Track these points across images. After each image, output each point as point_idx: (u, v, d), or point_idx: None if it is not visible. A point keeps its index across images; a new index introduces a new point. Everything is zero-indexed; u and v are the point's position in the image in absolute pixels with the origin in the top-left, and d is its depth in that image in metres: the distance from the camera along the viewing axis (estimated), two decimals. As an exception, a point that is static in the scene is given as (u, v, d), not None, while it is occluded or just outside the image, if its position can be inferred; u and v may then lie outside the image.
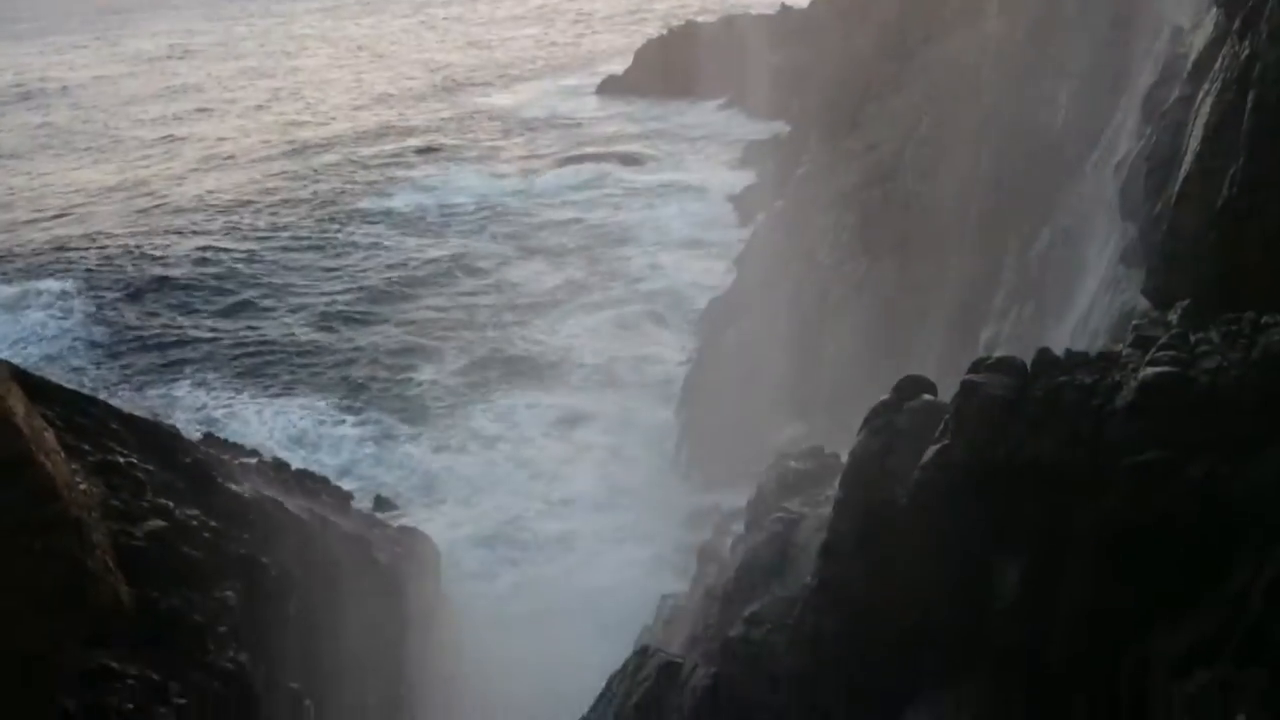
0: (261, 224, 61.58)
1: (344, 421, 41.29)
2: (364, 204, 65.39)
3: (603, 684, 17.87)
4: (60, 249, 57.41)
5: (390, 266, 55.90)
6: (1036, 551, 12.76)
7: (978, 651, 13.22)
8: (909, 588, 13.89)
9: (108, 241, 58.53)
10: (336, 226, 61.52)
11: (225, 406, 42.04)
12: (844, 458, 17.17)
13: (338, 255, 57.12)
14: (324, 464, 35.54)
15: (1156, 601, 11.71)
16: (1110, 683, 11.97)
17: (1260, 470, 11.21)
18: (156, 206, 65.03)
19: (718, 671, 16.56)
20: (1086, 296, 20.50)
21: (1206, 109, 14.41)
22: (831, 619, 15.09)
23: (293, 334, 48.04)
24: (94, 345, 46.85)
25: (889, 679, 13.99)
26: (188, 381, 44.06)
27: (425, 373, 44.79)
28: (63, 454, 12.93)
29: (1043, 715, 12.44)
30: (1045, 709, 12.44)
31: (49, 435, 12.71)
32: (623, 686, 17.16)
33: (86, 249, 57.37)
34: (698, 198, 65.24)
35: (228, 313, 50.11)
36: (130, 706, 11.38)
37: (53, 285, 52.30)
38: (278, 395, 43.03)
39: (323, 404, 42.35)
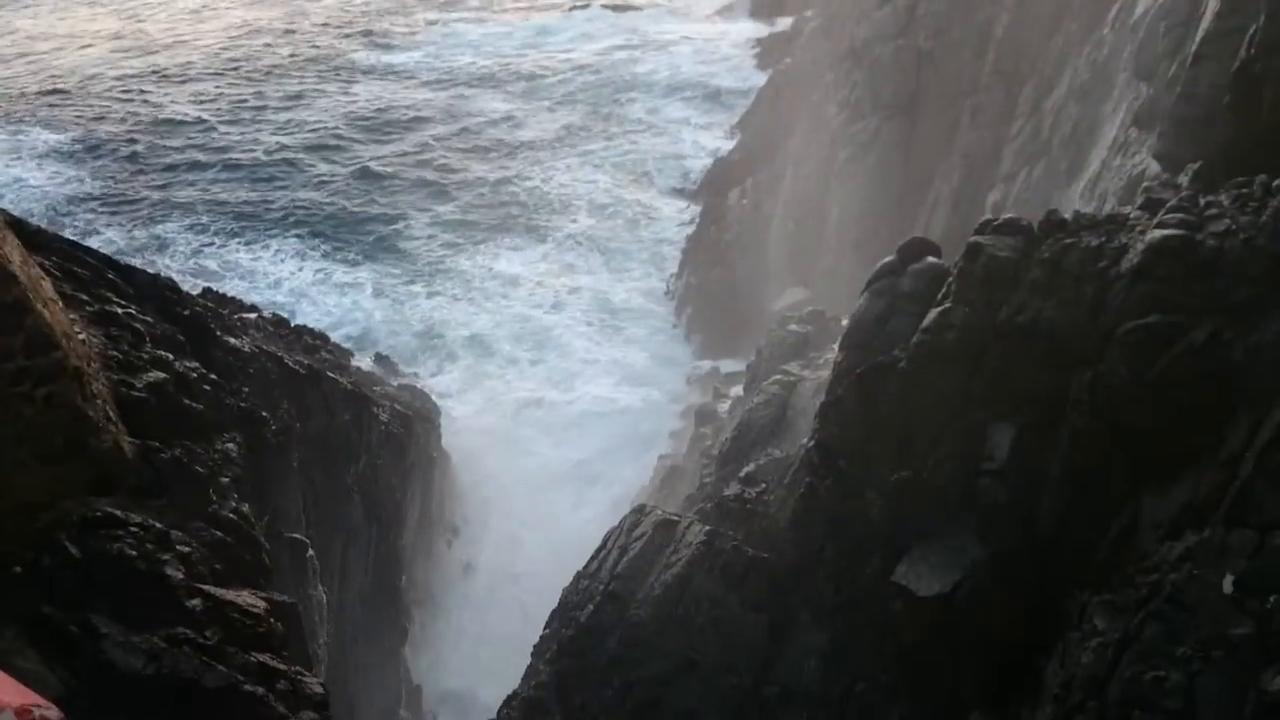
0: (258, 74, 60.37)
1: (340, 273, 41.17)
2: (361, 54, 64.05)
3: (599, 539, 18.16)
4: (52, 99, 56.39)
5: (387, 114, 55.04)
6: (1031, 414, 12.78)
7: (969, 511, 13.36)
8: (904, 449, 13.97)
9: (100, 91, 57.47)
10: (334, 76, 60.35)
11: (220, 257, 41.87)
12: (845, 321, 17.12)
13: (334, 106, 56.14)
14: (321, 318, 35.58)
15: (1150, 465, 11.77)
16: (1098, 544, 12.13)
17: (1263, 335, 11.10)
18: (149, 55, 63.67)
19: (713, 529, 16.80)
20: (1098, 159, 20.15)
21: (1231, -36, 13.88)
22: (826, 478, 15.22)
23: (289, 186, 47.52)
24: (87, 194, 46.36)
25: (883, 535, 14.19)
26: (181, 226, 43.77)
27: (422, 223, 44.48)
28: (60, 303, 12.81)
29: (1035, 573, 12.63)
30: (1036, 568, 12.63)
31: (46, 284, 12.54)
32: (619, 542, 17.41)
33: (79, 99, 56.36)
34: (705, 49, 63.84)
35: (222, 163, 49.47)
36: (133, 553, 11.50)
37: (46, 136, 51.54)
38: (273, 246, 42.80)
39: (319, 256, 42.16)
